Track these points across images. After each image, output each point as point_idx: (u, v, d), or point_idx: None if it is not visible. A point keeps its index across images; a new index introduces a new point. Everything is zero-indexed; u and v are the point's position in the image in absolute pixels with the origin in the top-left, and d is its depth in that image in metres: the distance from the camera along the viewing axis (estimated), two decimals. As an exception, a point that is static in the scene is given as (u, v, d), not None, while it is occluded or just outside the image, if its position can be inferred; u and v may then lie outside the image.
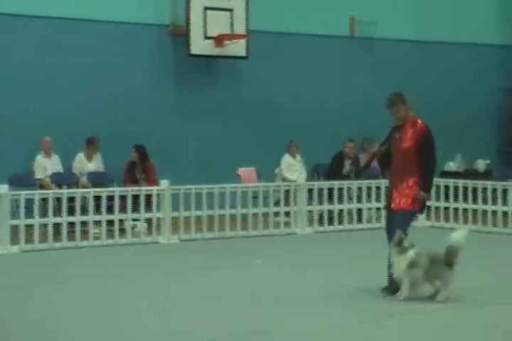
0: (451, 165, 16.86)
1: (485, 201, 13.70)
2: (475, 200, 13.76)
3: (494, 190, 13.73)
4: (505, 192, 13.66)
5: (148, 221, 12.79)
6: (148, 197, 12.67)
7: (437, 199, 14.22)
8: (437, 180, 14.39)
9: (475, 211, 13.80)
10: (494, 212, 13.65)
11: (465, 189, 13.90)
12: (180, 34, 14.91)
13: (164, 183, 12.77)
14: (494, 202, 13.66)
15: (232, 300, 8.43)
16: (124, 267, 10.64)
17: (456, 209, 14.02)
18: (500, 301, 8.38)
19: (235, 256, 11.57)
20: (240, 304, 8.29)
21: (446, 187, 14.15)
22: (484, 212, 13.75)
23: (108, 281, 9.60)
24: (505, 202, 13.55)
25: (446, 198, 14.14)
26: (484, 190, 13.79)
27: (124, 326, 7.46)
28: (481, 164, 16.81)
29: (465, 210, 13.80)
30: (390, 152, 8.96)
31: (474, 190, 13.79)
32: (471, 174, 16.20)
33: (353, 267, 10.44)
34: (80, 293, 8.88)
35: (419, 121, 8.89)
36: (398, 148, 8.83)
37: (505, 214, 13.55)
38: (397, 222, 8.68)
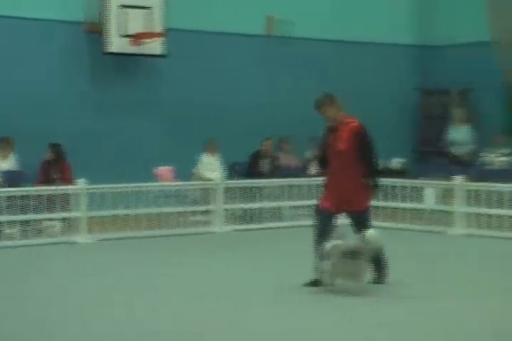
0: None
1: (400, 199, 13.93)
2: (393, 198, 13.97)
3: (409, 188, 13.95)
4: (419, 190, 13.93)
5: (65, 220, 12.62)
6: (65, 196, 12.51)
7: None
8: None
9: (391, 208, 14.01)
10: (409, 210, 13.88)
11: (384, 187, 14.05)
12: (96, 31, 14.73)
13: (81, 182, 12.63)
14: (409, 199, 13.89)
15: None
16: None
17: (376, 207, 14.18)
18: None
19: (163, 254, 11.50)
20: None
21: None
22: (400, 209, 13.97)
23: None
24: (419, 200, 13.83)
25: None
26: (400, 188, 13.99)
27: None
28: (396, 162, 17.04)
29: (381, 208, 13.93)
30: (326, 155, 9.03)
31: (391, 188, 13.97)
32: (386, 172, 16.39)
33: (280, 264, 10.54)
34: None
35: (352, 120, 8.95)
36: (335, 150, 8.88)
37: (418, 211, 13.82)
38: (366, 223, 8.89)
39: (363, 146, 8.84)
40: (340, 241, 8.65)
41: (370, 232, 8.60)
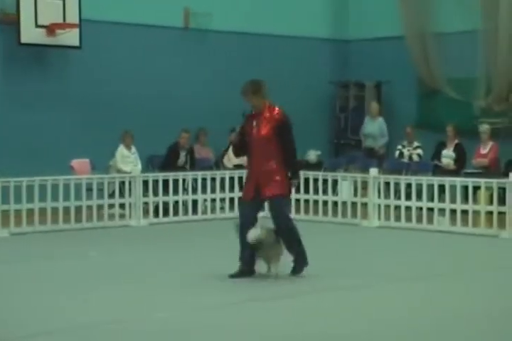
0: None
1: (316, 191, 14.09)
2: (307, 191, 14.11)
3: (325, 181, 14.11)
4: (335, 182, 14.11)
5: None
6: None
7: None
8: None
9: (307, 201, 14.15)
10: (325, 202, 14.04)
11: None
12: (10, 22, 14.47)
13: (-7, 176, 12.41)
14: (325, 192, 14.06)
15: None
16: None
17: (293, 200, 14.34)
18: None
19: (76, 248, 11.40)
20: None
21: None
22: (315, 202, 14.13)
23: None
24: (335, 192, 14.01)
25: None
26: (315, 180, 14.14)
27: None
28: (312, 155, 17.18)
29: (297, 200, 14.04)
30: (244, 141, 9.10)
31: (306, 180, 14.10)
32: (302, 165, 16.54)
33: (198, 256, 10.61)
34: None
35: (276, 109, 9.08)
36: (256, 136, 8.97)
37: (335, 203, 13.99)
38: (279, 209, 8.96)
39: (284, 135, 8.96)
40: (258, 229, 8.84)
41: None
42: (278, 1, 17.85)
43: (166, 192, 13.90)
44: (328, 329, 7.10)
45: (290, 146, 9.05)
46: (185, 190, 14.20)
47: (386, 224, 13.36)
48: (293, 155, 9.11)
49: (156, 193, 13.83)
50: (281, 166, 8.98)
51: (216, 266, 9.67)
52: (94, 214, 13.15)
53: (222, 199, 14.51)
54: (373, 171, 13.76)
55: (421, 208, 13.20)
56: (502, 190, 12.55)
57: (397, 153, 15.89)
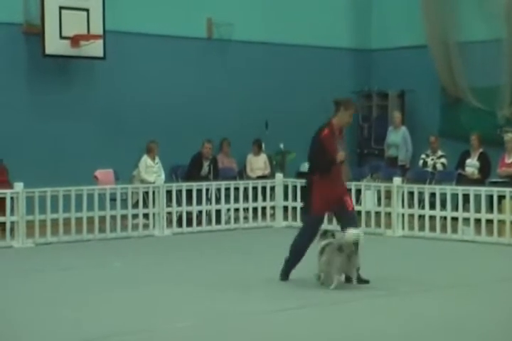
0: (307, 167, 17.11)
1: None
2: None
3: (348, 190, 14.04)
4: (358, 192, 14.06)
5: (1, 225, 12.44)
6: (1, 200, 12.32)
7: (294, 199, 14.50)
8: (293, 181, 14.67)
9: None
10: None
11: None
12: (35, 33, 14.59)
13: (19, 186, 12.45)
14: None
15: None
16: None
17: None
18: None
19: (101, 258, 11.46)
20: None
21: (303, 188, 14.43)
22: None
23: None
24: (358, 202, 13.98)
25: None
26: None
27: None
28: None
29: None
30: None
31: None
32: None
33: (221, 265, 10.64)
34: None
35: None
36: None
37: (358, 213, 13.93)
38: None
39: None
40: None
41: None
42: (300, 10, 17.85)
43: (189, 202, 13.93)
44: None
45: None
46: (208, 199, 14.21)
47: (410, 234, 13.32)
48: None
49: (179, 203, 13.86)
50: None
51: (240, 275, 9.69)
52: (118, 224, 13.20)
53: (246, 209, 14.52)
54: (397, 180, 13.72)
55: (445, 217, 13.16)
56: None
57: (420, 162, 15.82)
